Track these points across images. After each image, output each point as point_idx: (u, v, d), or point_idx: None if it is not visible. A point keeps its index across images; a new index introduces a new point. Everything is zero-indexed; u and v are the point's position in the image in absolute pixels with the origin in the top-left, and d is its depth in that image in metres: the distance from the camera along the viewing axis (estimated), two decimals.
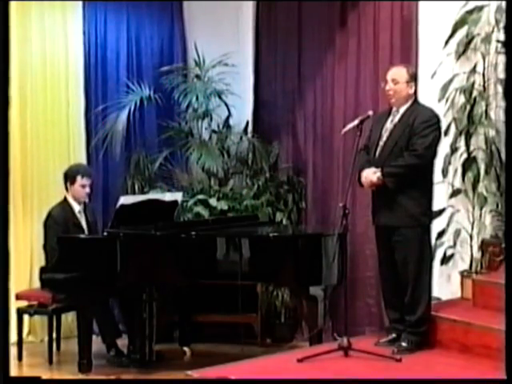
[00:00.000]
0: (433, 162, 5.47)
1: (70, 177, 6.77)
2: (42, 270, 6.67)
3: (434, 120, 5.41)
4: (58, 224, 6.61)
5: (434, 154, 5.42)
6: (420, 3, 6.34)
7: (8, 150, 3.10)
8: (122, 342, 6.72)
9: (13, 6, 6.53)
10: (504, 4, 5.78)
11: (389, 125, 5.49)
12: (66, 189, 6.79)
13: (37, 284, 6.89)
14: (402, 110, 5.46)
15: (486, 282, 5.75)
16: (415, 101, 5.51)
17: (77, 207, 6.77)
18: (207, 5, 8.07)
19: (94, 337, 6.49)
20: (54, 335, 6.76)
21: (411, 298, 5.40)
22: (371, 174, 5.40)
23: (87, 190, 6.81)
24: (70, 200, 6.76)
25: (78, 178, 6.74)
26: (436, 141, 5.39)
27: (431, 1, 6.25)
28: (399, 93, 5.46)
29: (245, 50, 8.17)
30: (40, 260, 6.98)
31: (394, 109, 5.51)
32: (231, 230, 6.47)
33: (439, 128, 5.45)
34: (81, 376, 6.14)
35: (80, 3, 7.70)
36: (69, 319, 7.28)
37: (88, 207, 6.94)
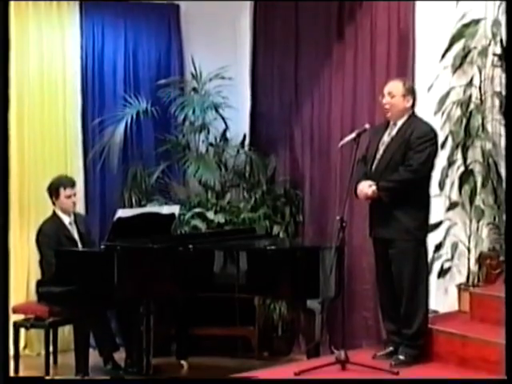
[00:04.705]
0: (429, 177, 5.48)
1: (53, 191, 6.76)
2: (39, 283, 6.66)
3: (431, 135, 5.40)
4: (50, 238, 6.58)
5: (429, 169, 5.42)
6: (417, 16, 6.35)
7: (8, 163, 3.10)
8: (119, 356, 6.71)
9: (10, 18, 6.53)
10: (500, 18, 5.84)
11: (386, 138, 5.50)
12: (53, 203, 6.79)
13: (34, 297, 6.88)
14: (400, 123, 5.46)
15: (484, 294, 5.75)
16: (413, 114, 5.50)
17: (67, 219, 6.76)
18: (204, 18, 8.08)
19: (91, 350, 6.47)
20: (51, 349, 6.74)
21: (407, 311, 5.40)
22: (366, 188, 5.41)
23: (73, 199, 6.79)
24: (59, 213, 6.75)
25: (61, 190, 6.73)
26: (432, 156, 5.38)
27: (428, 14, 6.26)
28: (395, 106, 5.46)
29: (242, 63, 8.18)
30: (37, 273, 6.96)
31: (392, 122, 5.51)
32: (228, 243, 6.46)
33: (436, 143, 5.44)
34: None
35: (77, 17, 7.72)
36: (66, 332, 7.25)
37: (79, 217, 6.93)
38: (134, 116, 7.70)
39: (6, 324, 3.16)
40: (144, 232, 6.28)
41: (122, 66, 7.99)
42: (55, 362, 6.87)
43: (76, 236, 6.78)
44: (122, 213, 6.41)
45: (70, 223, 6.78)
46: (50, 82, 7.62)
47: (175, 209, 6.92)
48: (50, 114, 7.62)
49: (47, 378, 5.98)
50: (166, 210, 6.82)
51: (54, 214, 6.77)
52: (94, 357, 6.56)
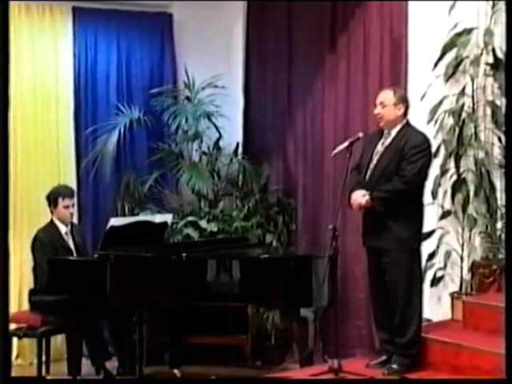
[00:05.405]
0: (423, 187, 5.47)
1: (51, 200, 6.76)
2: (31, 292, 6.64)
3: (425, 145, 5.39)
4: (46, 246, 6.58)
5: (423, 180, 5.42)
6: (409, 25, 6.37)
7: (7, 170, 3.09)
8: (112, 365, 6.69)
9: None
10: (492, 27, 5.86)
11: (380, 147, 5.49)
12: (51, 211, 6.79)
13: (26, 306, 6.86)
14: (394, 132, 5.45)
15: (477, 303, 5.75)
16: (407, 123, 5.49)
17: (63, 229, 6.76)
18: (197, 27, 8.09)
19: (83, 359, 6.46)
20: (44, 358, 6.71)
21: (401, 320, 5.39)
22: (360, 197, 5.40)
23: (71, 210, 6.80)
24: (57, 222, 6.75)
25: (60, 200, 6.73)
26: (426, 166, 5.37)
27: (421, 23, 6.28)
28: (387, 116, 5.45)
29: (235, 72, 8.19)
30: (29, 282, 6.95)
31: (386, 131, 5.51)
32: (221, 251, 6.45)
33: (430, 153, 5.44)
34: None
35: (70, 26, 7.72)
36: (58, 342, 7.23)
37: (75, 228, 6.93)
38: (127, 125, 7.69)
39: (6, 323, 3.15)
40: (137, 241, 6.27)
41: (114, 75, 7.98)
42: (48, 371, 6.82)
43: (71, 246, 6.77)
44: (114, 221, 6.41)
45: (66, 233, 6.78)
46: (42, 91, 7.62)
47: (168, 217, 6.92)
48: (42, 122, 7.61)
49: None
50: (158, 218, 6.82)
51: (52, 222, 6.77)
52: (86, 366, 6.55)
